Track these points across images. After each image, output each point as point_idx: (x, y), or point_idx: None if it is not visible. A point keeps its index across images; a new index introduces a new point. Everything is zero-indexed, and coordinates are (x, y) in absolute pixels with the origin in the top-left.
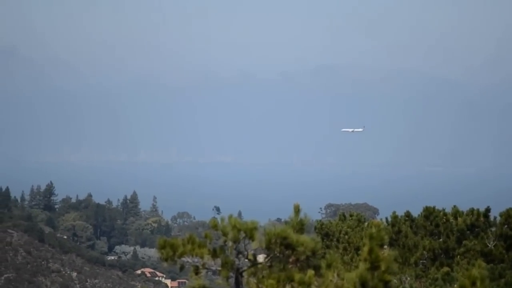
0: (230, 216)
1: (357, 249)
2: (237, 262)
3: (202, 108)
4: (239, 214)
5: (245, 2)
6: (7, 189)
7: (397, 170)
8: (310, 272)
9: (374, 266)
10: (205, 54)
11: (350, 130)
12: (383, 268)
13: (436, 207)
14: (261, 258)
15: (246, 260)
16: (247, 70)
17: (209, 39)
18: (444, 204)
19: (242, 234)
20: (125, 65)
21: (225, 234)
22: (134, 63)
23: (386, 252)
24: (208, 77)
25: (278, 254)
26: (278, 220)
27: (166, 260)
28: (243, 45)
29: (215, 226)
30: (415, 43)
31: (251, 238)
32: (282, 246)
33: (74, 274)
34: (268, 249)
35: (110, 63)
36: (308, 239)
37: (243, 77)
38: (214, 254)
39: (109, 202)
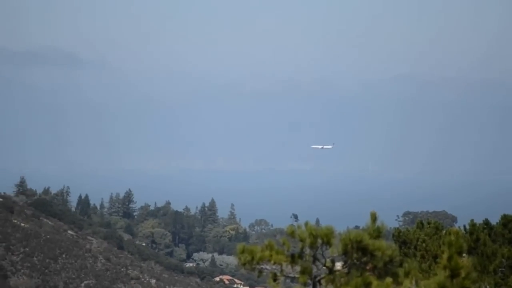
0: (307, 223)
1: (435, 257)
2: (314, 269)
3: (281, 116)
4: (317, 221)
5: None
6: (87, 196)
7: (477, 178)
8: (388, 279)
9: (453, 273)
10: (287, 62)
11: (320, 146)
12: (463, 275)
13: None
14: (338, 265)
15: (324, 267)
16: (326, 79)
17: (289, 47)
18: None
19: (319, 241)
20: (200, 72)
21: (302, 241)
22: (210, 71)
23: (465, 260)
24: (289, 84)
25: (355, 261)
26: (356, 227)
27: (244, 265)
28: (323, 54)
29: (292, 233)
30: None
31: (328, 244)
32: (359, 252)
33: (153, 281)
34: (345, 255)
35: (186, 70)
36: (385, 245)
37: (322, 85)
38: (292, 260)
39: (187, 209)
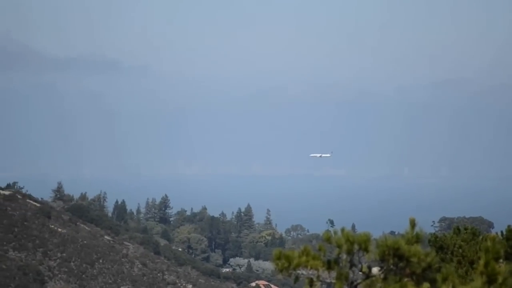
0: (343, 229)
1: (472, 262)
2: (351, 275)
3: (317, 122)
4: (353, 226)
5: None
6: (123, 202)
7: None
8: (426, 285)
9: (490, 279)
10: (323, 68)
11: (318, 155)
12: (499, 281)
13: None
14: (375, 270)
15: (360, 272)
16: (362, 84)
17: (324, 52)
18: None
19: (356, 246)
20: (239, 77)
21: (339, 247)
22: (249, 76)
23: (502, 266)
24: (324, 90)
25: (392, 267)
26: (392, 233)
27: (281, 271)
28: (358, 60)
29: (329, 239)
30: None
31: (365, 250)
32: (396, 258)
33: (190, 286)
34: (382, 261)
35: (224, 76)
36: (422, 251)
37: (358, 91)
38: (328, 266)
39: (223, 214)
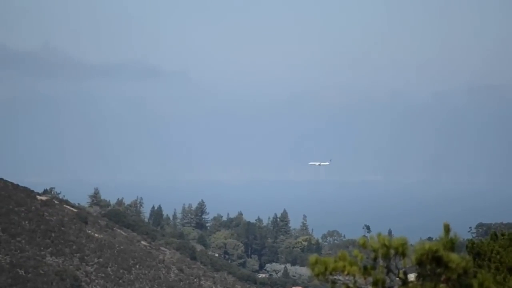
0: (380, 234)
1: (510, 269)
2: (388, 280)
3: (352, 127)
4: (389, 232)
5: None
6: (160, 207)
7: None
8: None
9: None
10: (358, 73)
11: (317, 163)
12: None
13: None
14: (412, 276)
15: (397, 278)
16: (398, 90)
17: (357, 57)
18: None
19: (393, 252)
20: (276, 82)
21: (375, 252)
22: (285, 81)
23: None
24: (360, 96)
25: (429, 272)
26: (429, 239)
27: (317, 276)
28: (397, 65)
29: (365, 244)
30: None
31: (402, 255)
32: (433, 264)
33: None
34: (419, 266)
35: (268, 79)
36: (459, 257)
37: (393, 96)
38: (365, 272)
39: (259, 220)
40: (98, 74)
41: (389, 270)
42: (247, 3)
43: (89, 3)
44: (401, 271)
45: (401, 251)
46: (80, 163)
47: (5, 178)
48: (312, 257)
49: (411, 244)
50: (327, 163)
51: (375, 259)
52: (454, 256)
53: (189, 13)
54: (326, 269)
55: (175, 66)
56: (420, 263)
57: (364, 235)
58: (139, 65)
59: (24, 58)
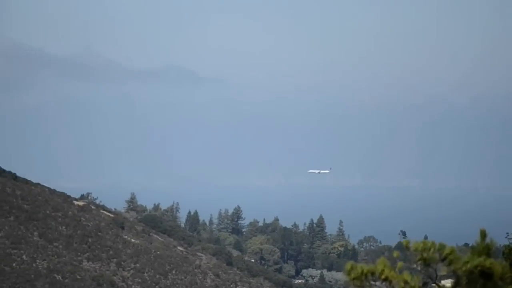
0: (417, 240)
1: None
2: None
3: (388, 131)
4: (425, 238)
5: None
6: (196, 212)
7: None
8: None
9: None
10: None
11: (317, 171)
12: None
13: None
14: (448, 282)
15: (434, 284)
16: (435, 93)
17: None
18: None
19: (435, 257)
20: (314, 87)
21: (416, 257)
22: (322, 86)
23: None
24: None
25: (465, 279)
26: (465, 245)
27: (353, 282)
28: (434, 69)
29: (402, 250)
30: None
31: (439, 261)
32: (477, 275)
33: None
34: (455, 272)
35: (311, 84)
36: (496, 264)
37: (431, 100)
38: (402, 277)
39: (295, 225)
40: (137, 78)
41: (426, 276)
42: (285, 13)
43: (128, 9)
44: (438, 277)
45: (439, 257)
46: (117, 168)
47: (42, 183)
48: (348, 264)
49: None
50: (327, 171)
51: (413, 265)
52: (490, 262)
53: (228, 18)
54: (362, 273)
55: (213, 71)
56: (456, 270)
57: (400, 241)
58: (177, 70)
59: (63, 62)
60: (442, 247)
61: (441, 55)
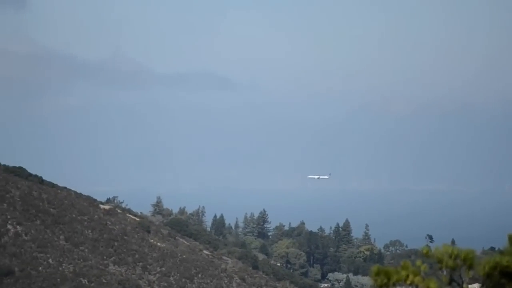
0: (445, 244)
1: None
2: None
3: (417, 136)
4: (452, 242)
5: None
6: (222, 216)
7: None
8: None
9: None
10: (428, 82)
11: (316, 177)
12: None
13: None
14: (475, 286)
15: None
16: (468, 101)
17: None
18: None
19: (457, 263)
20: (341, 95)
21: (439, 262)
22: (353, 91)
23: None
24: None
25: (493, 284)
26: (492, 249)
27: (380, 286)
28: (465, 76)
29: (428, 254)
30: None
31: (467, 267)
32: (497, 274)
33: None
34: (482, 277)
35: (329, 91)
36: None
37: (461, 105)
38: (428, 282)
39: (321, 229)
40: (166, 83)
41: (452, 281)
42: (317, 18)
43: (158, 14)
44: (465, 282)
45: (466, 262)
46: (143, 171)
47: (68, 186)
48: (374, 267)
49: (476, 254)
50: (326, 177)
51: (439, 269)
52: None
53: (261, 25)
54: (388, 279)
55: (244, 76)
56: (483, 274)
57: (427, 245)
58: (207, 75)
59: (92, 67)
60: (461, 251)
61: (471, 60)
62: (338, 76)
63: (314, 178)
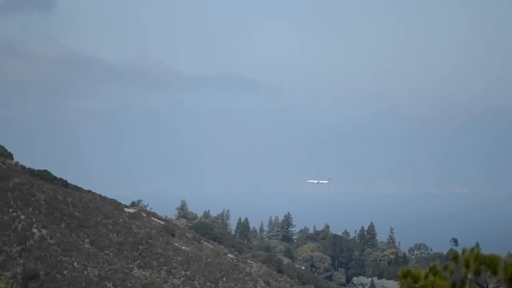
0: (472, 249)
1: None
2: None
3: (441, 139)
4: (477, 245)
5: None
6: (246, 220)
7: None
8: None
9: None
10: (453, 83)
11: (316, 181)
12: None
13: None
14: None
15: None
16: (494, 103)
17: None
18: None
19: (484, 267)
20: (367, 97)
21: (466, 267)
22: (377, 93)
23: None
24: (456, 109)
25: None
26: None
27: None
28: (495, 80)
29: (455, 258)
30: None
31: (493, 271)
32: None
33: None
34: (509, 281)
35: (353, 93)
36: None
37: (486, 107)
38: (454, 286)
39: (346, 233)
40: (192, 85)
41: (479, 285)
42: (342, 20)
43: (184, 17)
44: (491, 287)
45: (492, 267)
46: (167, 174)
47: (93, 190)
48: (402, 269)
49: (501, 259)
50: (326, 182)
51: (466, 273)
52: None
53: (287, 27)
54: (415, 282)
55: (270, 79)
56: (510, 279)
57: (452, 249)
58: (233, 77)
59: (119, 70)
60: (486, 257)
61: (492, 61)
62: (364, 78)
63: (313, 182)
